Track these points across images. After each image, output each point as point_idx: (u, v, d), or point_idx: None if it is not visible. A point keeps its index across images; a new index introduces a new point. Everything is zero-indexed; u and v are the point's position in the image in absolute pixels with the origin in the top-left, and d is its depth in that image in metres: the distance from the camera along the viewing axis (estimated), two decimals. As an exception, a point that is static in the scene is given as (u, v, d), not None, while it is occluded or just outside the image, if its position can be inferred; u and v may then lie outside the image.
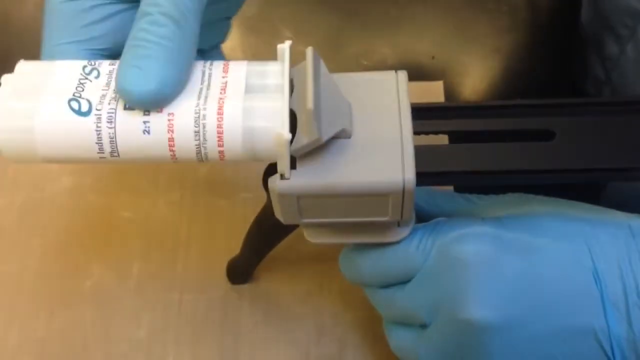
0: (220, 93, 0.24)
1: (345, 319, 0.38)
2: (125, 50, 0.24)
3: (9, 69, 0.50)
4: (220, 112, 0.24)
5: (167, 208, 0.41)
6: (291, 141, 0.24)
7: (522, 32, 0.53)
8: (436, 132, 0.29)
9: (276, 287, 0.39)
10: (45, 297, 0.38)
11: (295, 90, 0.25)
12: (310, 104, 0.23)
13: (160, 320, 0.38)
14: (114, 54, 0.27)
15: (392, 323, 0.31)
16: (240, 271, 0.38)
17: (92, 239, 0.40)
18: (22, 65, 0.25)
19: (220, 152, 0.24)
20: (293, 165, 0.25)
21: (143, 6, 0.24)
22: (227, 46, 0.46)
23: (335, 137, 0.25)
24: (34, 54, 0.50)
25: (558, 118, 0.28)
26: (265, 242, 0.35)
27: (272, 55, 0.26)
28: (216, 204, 0.41)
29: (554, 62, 0.51)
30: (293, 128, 0.24)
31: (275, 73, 0.25)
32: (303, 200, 0.25)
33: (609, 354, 0.26)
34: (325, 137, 0.24)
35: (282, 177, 0.25)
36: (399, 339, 0.31)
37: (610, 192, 0.42)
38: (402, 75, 0.27)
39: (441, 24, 0.53)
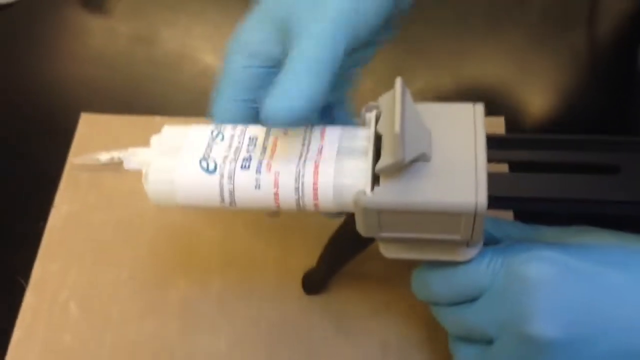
0: (317, 155, 0.28)
1: (409, 338, 0.39)
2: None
3: (102, 99, 0.54)
4: (316, 172, 0.28)
5: (245, 228, 0.44)
6: (376, 161, 0.27)
7: (582, 69, 0.53)
8: (508, 162, 0.31)
9: (345, 304, 0.41)
10: (137, 304, 0.41)
11: (382, 115, 0.28)
12: (397, 128, 0.26)
13: (238, 333, 0.40)
14: None
15: (458, 340, 0.33)
16: (315, 282, 0.41)
17: (177, 254, 0.43)
18: (165, 129, 0.31)
19: (316, 204, 0.29)
20: (377, 183, 0.28)
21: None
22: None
23: (415, 160, 0.27)
24: (125, 85, 0.54)
25: (623, 154, 0.29)
26: (340, 256, 0.37)
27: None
28: (290, 226, 0.44)
29: (612, 100, 0.51)
30: (378, 151, 0.27)
31: (362, 137, 0.29)
32: (384, 215, 0.28)
33: None
34: (407, 159, 0.26)
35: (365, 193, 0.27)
36: (464, 355, 0.32)
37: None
38: (480, 107, 0.29)
39: (503, 59, 0.53)
